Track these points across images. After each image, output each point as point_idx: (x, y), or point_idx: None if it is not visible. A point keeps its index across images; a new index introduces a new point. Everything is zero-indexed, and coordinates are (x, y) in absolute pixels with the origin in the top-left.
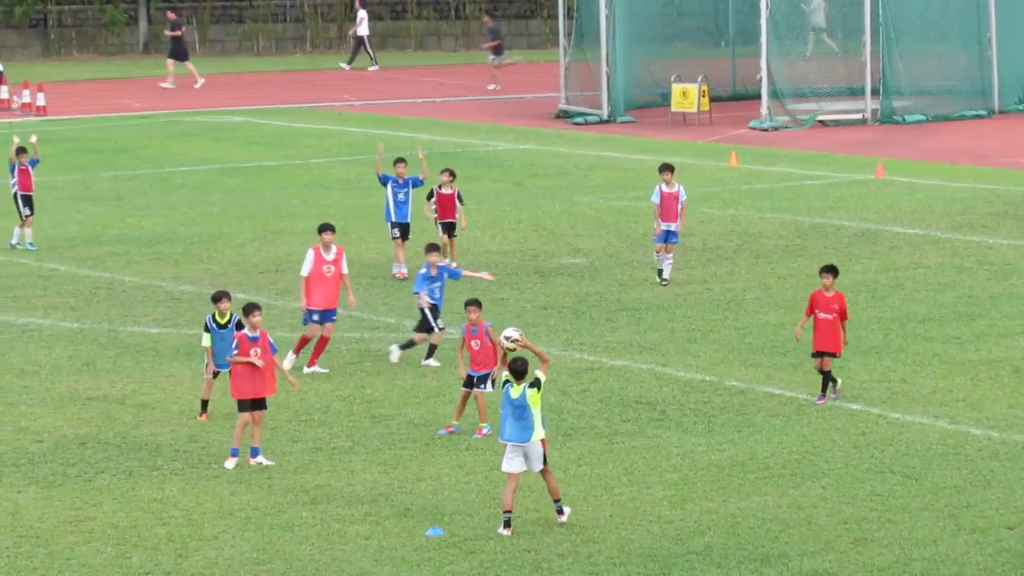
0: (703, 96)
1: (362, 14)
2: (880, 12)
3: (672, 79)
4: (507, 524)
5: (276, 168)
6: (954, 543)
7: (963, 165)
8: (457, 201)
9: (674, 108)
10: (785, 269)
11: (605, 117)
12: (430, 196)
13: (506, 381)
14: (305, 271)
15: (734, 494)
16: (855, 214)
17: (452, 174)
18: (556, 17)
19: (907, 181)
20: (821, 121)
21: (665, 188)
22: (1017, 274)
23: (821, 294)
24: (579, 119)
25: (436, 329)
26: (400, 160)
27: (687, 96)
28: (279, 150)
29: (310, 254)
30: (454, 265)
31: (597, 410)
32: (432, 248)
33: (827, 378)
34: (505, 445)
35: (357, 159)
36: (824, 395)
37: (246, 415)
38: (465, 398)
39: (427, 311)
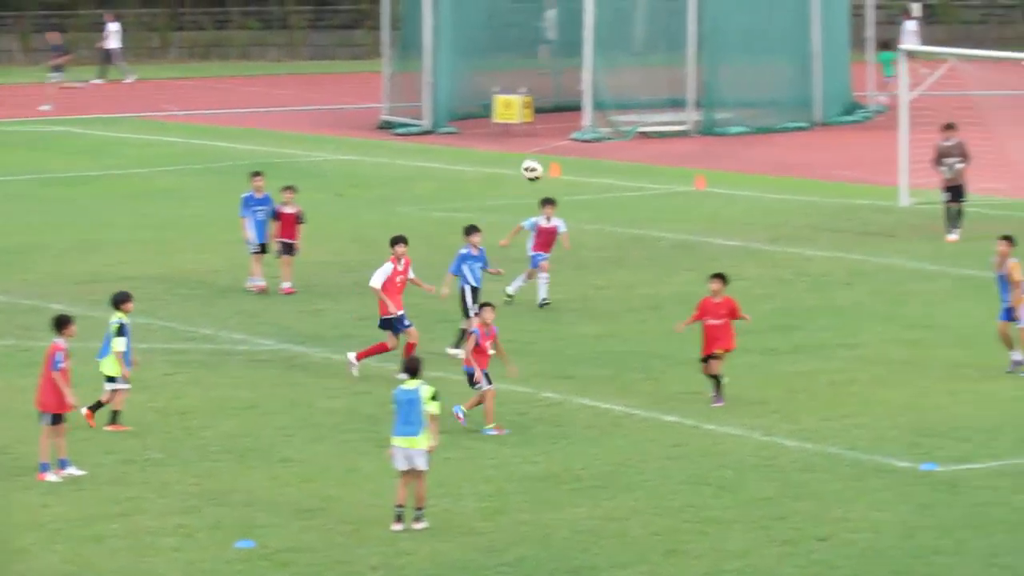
0: (526, 107)
1: (112, 27)
2: (704, 24)
3: (494, 90)
4: (398, 519)
5: (96, 178)
6: (766, 555)
7: (784, 177)
8: (297, 222)
9: (496, 119)
10: (604, 280)
11: (428, 128)
12: (275, 216)
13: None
14: (378, 282)
15: (547, 506)
16: (675, 225)
17: (294, 190)
18: (380, 28)
19: (727, 193)
20: (643, 132)
21: (544, 223)
22: (834, 286)
23: (710, 300)
24: (401, 130)
25: (470, 314)
26: (257, 173)
27: (509, 107)
28: (100, 160)
29: (387, 266)
30: (286, 286)
31: None
32: (472, 229)
33: (717, 381)
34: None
35: (179, 169)
36: (718, 396)
37: (50, 428)
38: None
39: (467, 293)
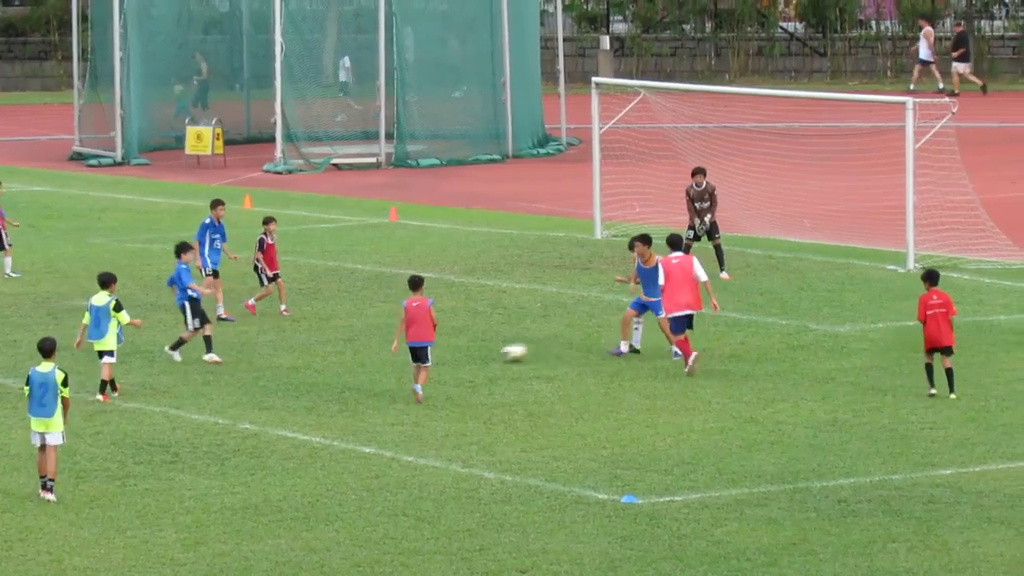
0: (217, 139)
1: None
2: (394, 56)
3: (187, 121)
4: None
5: None
6: None
7: (478, 209)
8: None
9: (188, 151)
10: (299, 312)
11: (119, 159)
12: (261, 247)
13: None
14: (662, 280)
15: (247, 537)
16: (369, 257)
17: (276, 222)
18: (71, 59)
19: (420, 224)
20: (335, 165)
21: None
22: (529, 318)
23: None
24: (93, 161)
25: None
26: (219, 202)
27: (201, 139)
28: None
29: (662, 270)
30: (283, 309)
31: (110, 452)
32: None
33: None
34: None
35: None
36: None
37: None
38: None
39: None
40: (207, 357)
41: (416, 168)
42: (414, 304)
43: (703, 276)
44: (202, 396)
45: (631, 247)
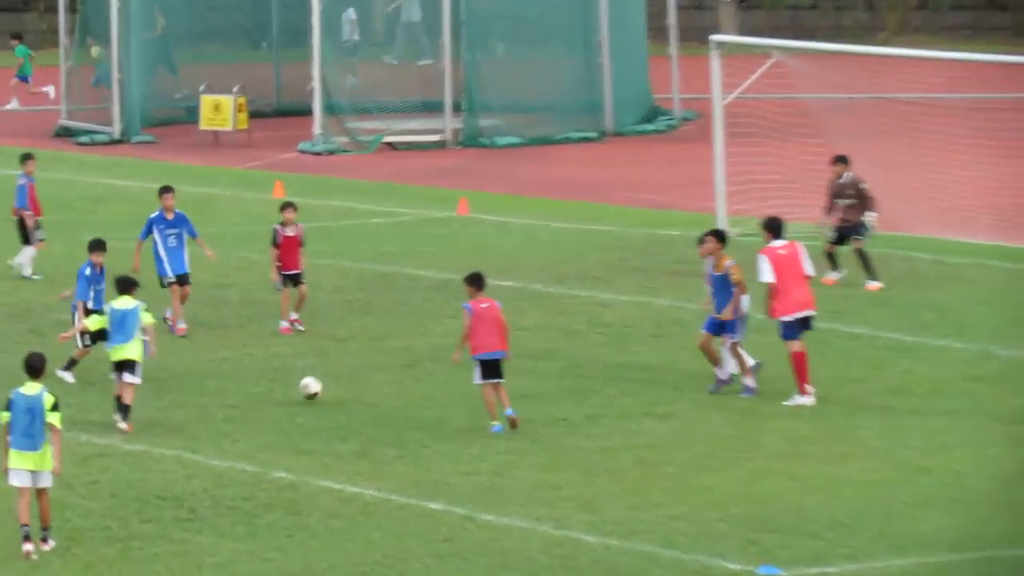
0: (240, 111)
1: None
2: (462, 8)
3: (201, 89)
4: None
5: None
6: None
7: (569, 200)
8: (299, 245)
9: (203, 126)
10: (345, 330)
11: (117, 136)
12: (275, 242)
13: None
14: (770, 277)
15: None
16: (433, 261)
17: (295, 208)
18: (55, 9)
19: (497, 220)
20: (389, 143)
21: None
22: (638, 339)
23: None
24: (84, 138)
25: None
26: (167, 189)
27: (220, 110)
28: None
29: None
30: (293, 319)
31: (109, 507)
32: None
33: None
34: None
35: None
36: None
37: None
38: None
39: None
40: (59, 373)
41: (491, 148)
42: (482, 306)
43: (811, 269)
44: (225, 436)
45: (700, 242)
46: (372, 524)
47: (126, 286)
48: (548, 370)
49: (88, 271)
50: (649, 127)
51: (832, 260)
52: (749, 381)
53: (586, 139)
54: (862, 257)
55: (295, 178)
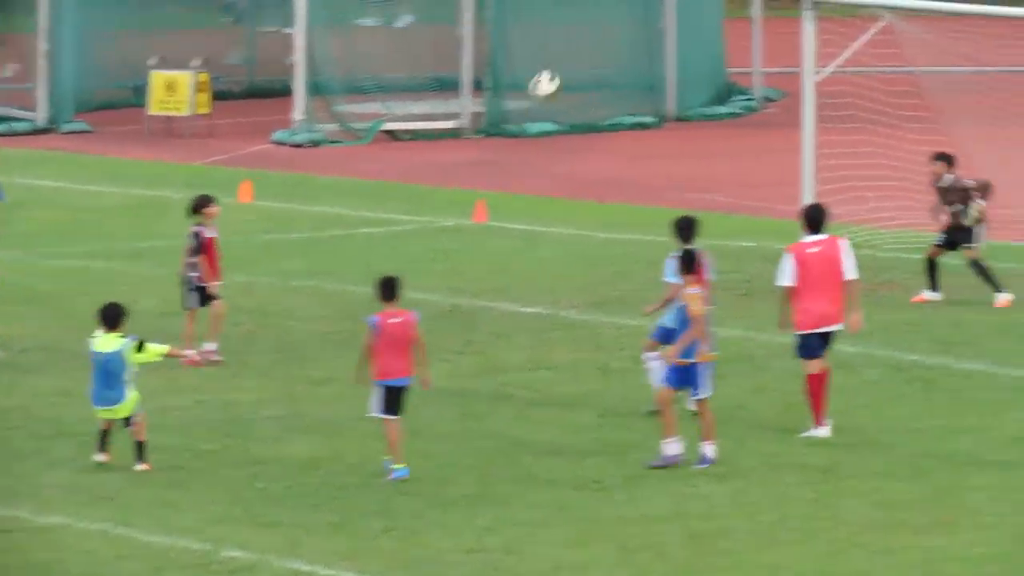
0: (201, 91)
1: None
2: None
3: (152, 63)
4: None
5: None
6: None
7: (616, 204)
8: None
9: (153, 110)
10: (322, 371)
11: (43, 123)
12: (199, 244)
13: None
14: (788, 279)
15: None
16: (439, 282)
17: (215, 202)
18: None
19: (525, 229)
20: (389, 132)
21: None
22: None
23: None
24: (2, 127)
25: None
26: None
27: (175, 90)
28: None
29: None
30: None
31: None
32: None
33: None
34: None
35: None
36: None
37: None
38: None
39: None
40: None
41: (520, 138)
42: (392, 320)
43: (853, 272)
44: (168, 506)
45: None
46: None
47: (110, 319)
48: (580, 420)
49: None
50: (721, 110)
51: (932, 273)
52: (708, 450)
53: (641, 125)
54: (978, 269)
55: (268, 176)
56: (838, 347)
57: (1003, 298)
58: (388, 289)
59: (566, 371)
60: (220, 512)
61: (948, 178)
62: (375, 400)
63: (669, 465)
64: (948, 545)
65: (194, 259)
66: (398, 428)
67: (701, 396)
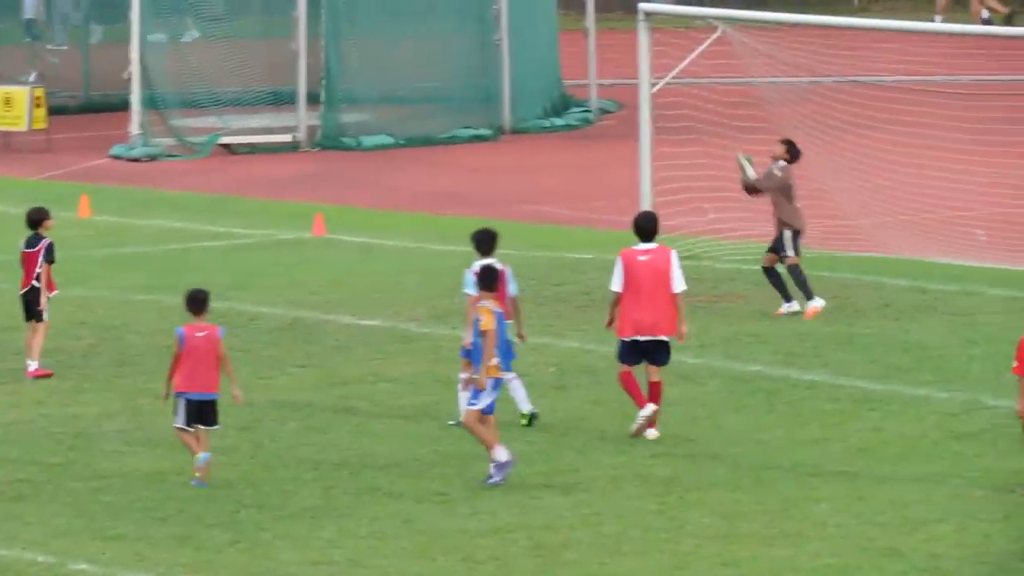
0: (37, 106)
1: None
2: None
3: None
4: None
5: None
6: None
7: (453, 216)
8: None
9: None
10: (162, 384)
11: None
12: (50, 255)
13: None
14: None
15: None
16: (277, 295)
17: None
18: None
19: (362, 241)
20: (226, 145)
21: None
22: (536, 390)
23: None
24: None
25: None
26: None
27: (11, 105)
28: None
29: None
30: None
31: None
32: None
33: None
34: None
35: None
36: None
37: None
38: None
39: None
40: None
41: (357, 151)
42: (198, 334)
43: (681, 285)
44: (12, 518)
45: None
46: None
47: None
48: (421, 432)
49: None
50: (558, 122)
51: (776, 282)
52: (496, 475)
53: (478, 138)
54: (789, 277)
55: (106, 191)
56: (678, 358)
57: (785, 308)
58: (196, 303)
59: (406, 383)
60: (65, 525)
61: (778, 164)
62: (177, 411)
63: (507, 473)
64: (793, 556)
65: (44, 268)
66: (195, 440)
67: (480, 407)
